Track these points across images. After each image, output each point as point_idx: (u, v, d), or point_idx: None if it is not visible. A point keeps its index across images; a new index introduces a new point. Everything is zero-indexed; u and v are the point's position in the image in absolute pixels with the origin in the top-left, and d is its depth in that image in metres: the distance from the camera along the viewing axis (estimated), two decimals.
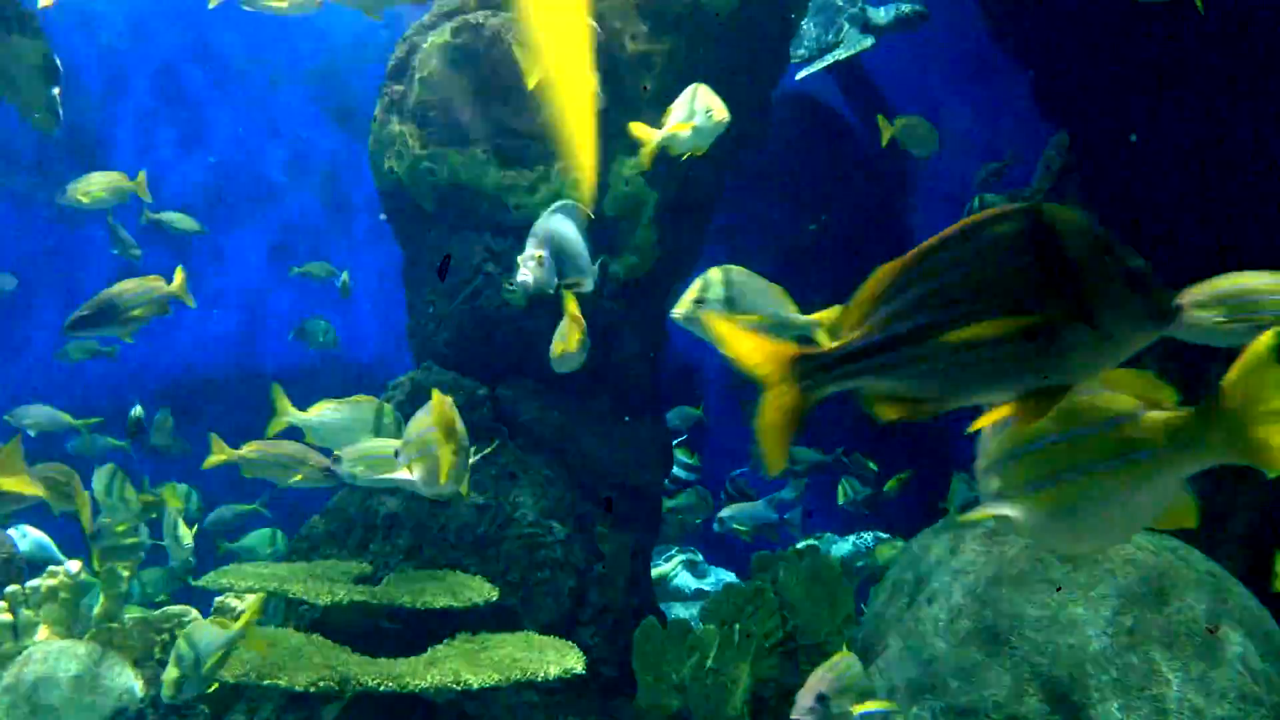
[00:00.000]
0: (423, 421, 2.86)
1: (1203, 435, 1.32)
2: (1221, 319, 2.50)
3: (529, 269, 3.22)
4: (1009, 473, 1.48)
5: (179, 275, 4.12)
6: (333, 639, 3.94)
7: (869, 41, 7.13)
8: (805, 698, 2.55)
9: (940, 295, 1.34)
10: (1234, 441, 1.30)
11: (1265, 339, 1.29)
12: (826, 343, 3.03)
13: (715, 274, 3.18)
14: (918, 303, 1.35)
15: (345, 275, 7.27)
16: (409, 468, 2.88)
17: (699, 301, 3.14)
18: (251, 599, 4.12)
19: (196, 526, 5.37)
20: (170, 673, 3.24)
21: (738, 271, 3.23)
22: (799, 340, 3.02)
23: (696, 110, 3.69)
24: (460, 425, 2.86)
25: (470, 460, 2.93)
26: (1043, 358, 1.30)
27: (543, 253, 3.23)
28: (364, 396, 4.00)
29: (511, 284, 4.67)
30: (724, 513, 6.74)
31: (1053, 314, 1.27)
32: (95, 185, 5.33)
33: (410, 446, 2.88)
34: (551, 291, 3.28)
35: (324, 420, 3.91)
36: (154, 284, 4.05)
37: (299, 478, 3.87)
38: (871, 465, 6.88)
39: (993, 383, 1.38)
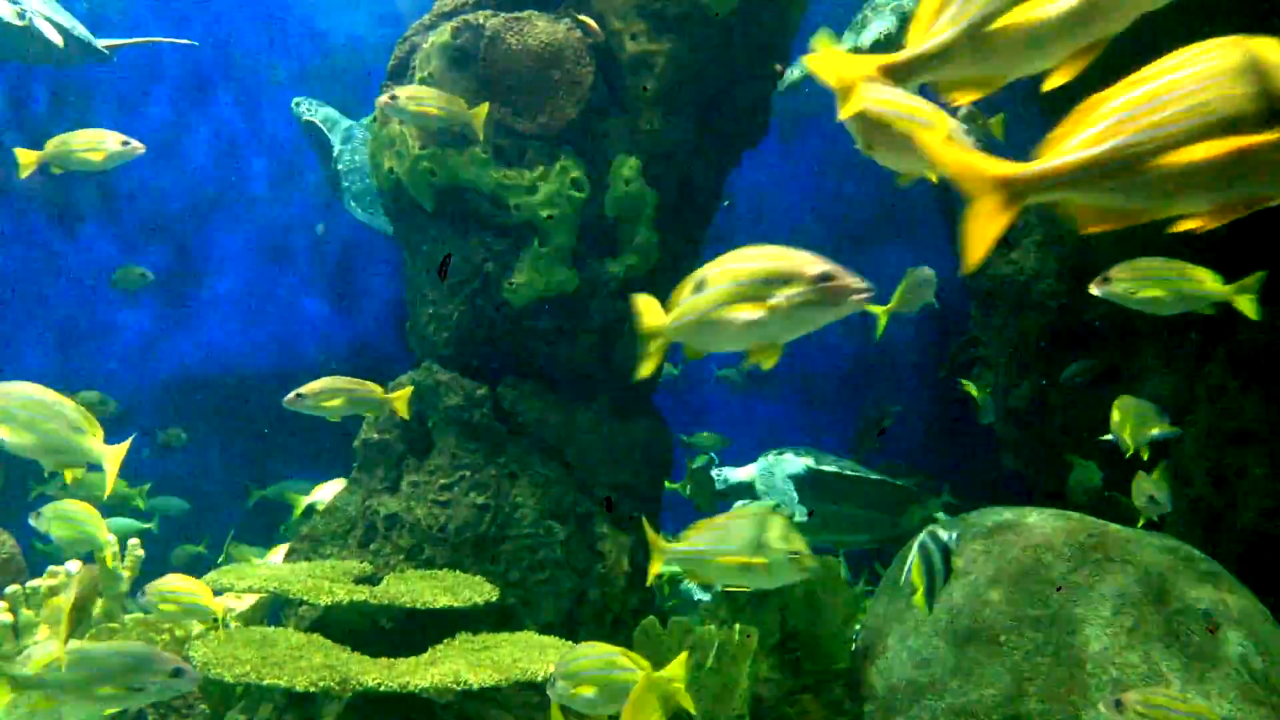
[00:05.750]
0: None
1: None
2: None
3: None
4: None
5: None
6: (333, 639, 3.94)
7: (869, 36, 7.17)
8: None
9: (1156, 116, 1.54)
10: None
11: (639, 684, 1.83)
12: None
13: None
14: (1131, 122, 1.56)
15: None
16: None
17: None
18: None
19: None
20: None
21: None
22: None
23: None
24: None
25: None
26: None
27: None
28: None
29: (512, 283, 4.68)
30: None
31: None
32: None
33: None
34: None
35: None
36: None
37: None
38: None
39: (1203, 195, 1.57)
